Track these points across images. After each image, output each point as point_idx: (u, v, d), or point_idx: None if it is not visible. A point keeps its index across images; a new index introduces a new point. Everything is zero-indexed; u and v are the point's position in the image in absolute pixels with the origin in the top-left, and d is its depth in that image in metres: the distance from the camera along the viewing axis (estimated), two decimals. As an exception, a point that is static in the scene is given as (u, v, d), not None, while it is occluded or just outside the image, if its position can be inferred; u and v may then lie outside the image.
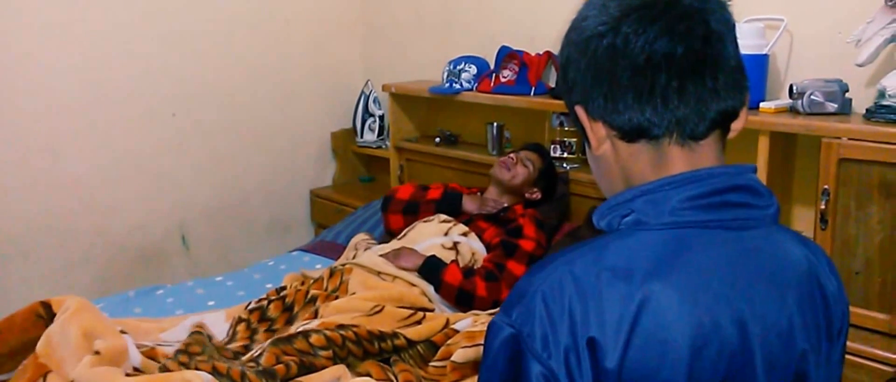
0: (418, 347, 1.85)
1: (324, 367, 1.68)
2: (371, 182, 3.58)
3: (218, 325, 1.97)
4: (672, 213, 0.76)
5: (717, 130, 0.80)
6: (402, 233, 2.37)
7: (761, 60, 2.14)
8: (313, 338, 1.72)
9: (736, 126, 0.82)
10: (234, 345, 1.86)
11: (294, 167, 3.43)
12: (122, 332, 1.80)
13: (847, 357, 1.87)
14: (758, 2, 2.21)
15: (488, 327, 0.76)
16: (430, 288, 2.10)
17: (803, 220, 2.19)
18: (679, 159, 0.79)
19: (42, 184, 2.72)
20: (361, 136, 3.44)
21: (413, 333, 1.85)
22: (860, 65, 1.95)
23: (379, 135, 3.43)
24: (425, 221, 2.38)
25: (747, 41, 2.13)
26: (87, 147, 2.80)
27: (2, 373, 1.76)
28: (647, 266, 0.73)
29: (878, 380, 1.81)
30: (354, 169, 3.60)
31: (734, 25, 0.80)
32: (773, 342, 0.76)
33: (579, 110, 0.82)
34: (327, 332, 1.73)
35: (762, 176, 2.04)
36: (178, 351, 1.72)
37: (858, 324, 1.91)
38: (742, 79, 0.80)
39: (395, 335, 1.81)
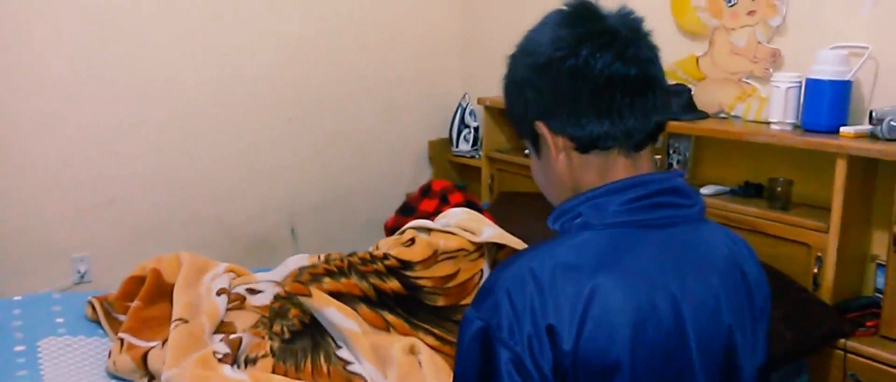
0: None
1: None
2: (464, 189, 3.77)
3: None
4: (613, 215, 0.89)
5: (651, 143, 0.94)
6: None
7: (844, 86, 2.20)
8: (320, 267, 2.02)
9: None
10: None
11: (393, 172, 3.69)
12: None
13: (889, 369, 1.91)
14: (843, 30, 2.27)
15: (462, 320, 0.88)
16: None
17: (880, 243, 2.22)
18: (622, 167, 0.92)
19: (174, 175, 3.11)
20: (456, 146, 3.65)
21: (398, 250, 2.02)
22: (943, 94, 1.99)
23: (473, 145, 3.62)
24: None
25: (831, 67, 2.19)
26: (213, 145, 3.18)
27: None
28: (593, 261, 0.85)
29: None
30: (448, 176, 3.81)
31: (658, 51, 0.94)
32: (703, 319, 0.89)
33: (541, 125, 0.93)
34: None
35: (838, 197, 2.09)
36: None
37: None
38: (667, 96, 0.95)
39: (385, 257, 2.01)
